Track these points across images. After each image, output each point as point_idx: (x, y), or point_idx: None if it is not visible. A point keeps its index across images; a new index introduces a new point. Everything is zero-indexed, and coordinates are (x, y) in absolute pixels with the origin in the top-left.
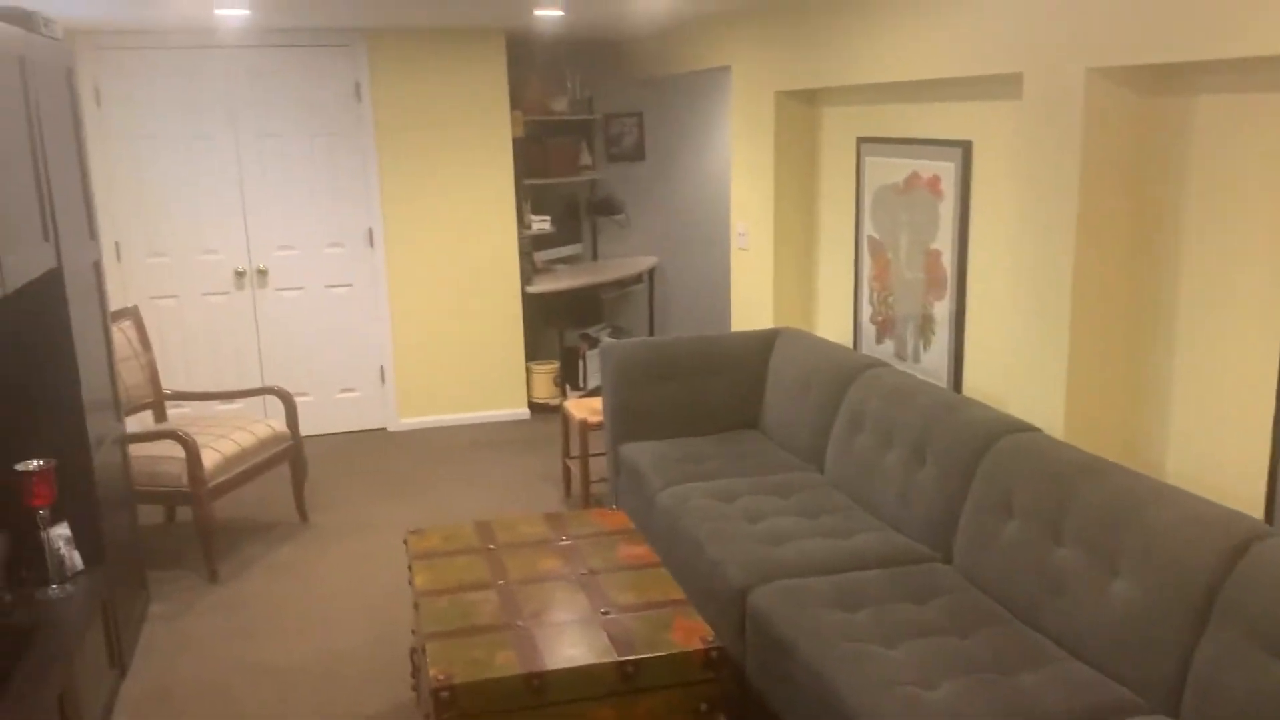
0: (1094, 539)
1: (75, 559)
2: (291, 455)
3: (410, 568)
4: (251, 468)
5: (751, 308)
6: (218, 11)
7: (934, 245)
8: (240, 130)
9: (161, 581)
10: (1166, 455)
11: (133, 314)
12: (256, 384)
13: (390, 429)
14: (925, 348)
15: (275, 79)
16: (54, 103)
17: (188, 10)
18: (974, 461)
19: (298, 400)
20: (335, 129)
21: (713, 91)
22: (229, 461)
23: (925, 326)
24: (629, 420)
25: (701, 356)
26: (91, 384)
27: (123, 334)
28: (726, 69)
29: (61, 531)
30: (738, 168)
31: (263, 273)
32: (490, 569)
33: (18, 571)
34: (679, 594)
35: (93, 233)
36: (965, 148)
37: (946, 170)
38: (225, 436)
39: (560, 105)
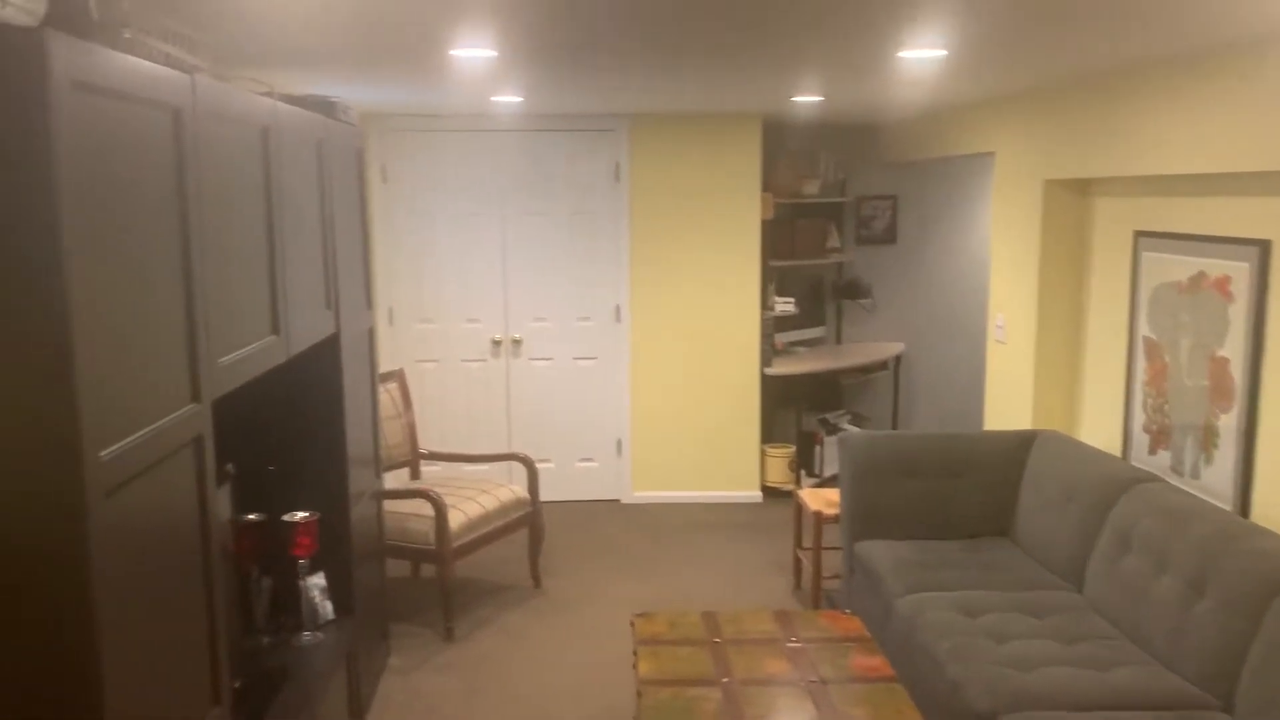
0: None
1: (328, 609)
2: (530, 521)
3: (635, 652)
4: (493, 530)
5: (1007, 405)
6: (494, 99)
7: (1221, 351)
8: (507, 207)
9: (401, 635)
10: None
11: (398, 376)
12: (504, 447)
13: (624, 501)
14: (1206, 463)
15: (541, 160)
16: (344, 181)
17: (467, 98)
18: (1264, 600)
19: (540, 467)
20: (593, 208)
21: (973, 177)
22: (473, 523)
23: (1207, 440)
24: (867, 516)
25: (950, 454)
26: (356, 441)
27: (388, 394)
28: (989, 155)
29: (318, 581)
30: (998, 256)
31: (517, 342)
32: (715, 665)
33: (278, 616)
34: (915, 716)
35: (369, 301)
36: (1262, 247)
37: (1239, 270)
38: (471, 499)
39: (812, 187)
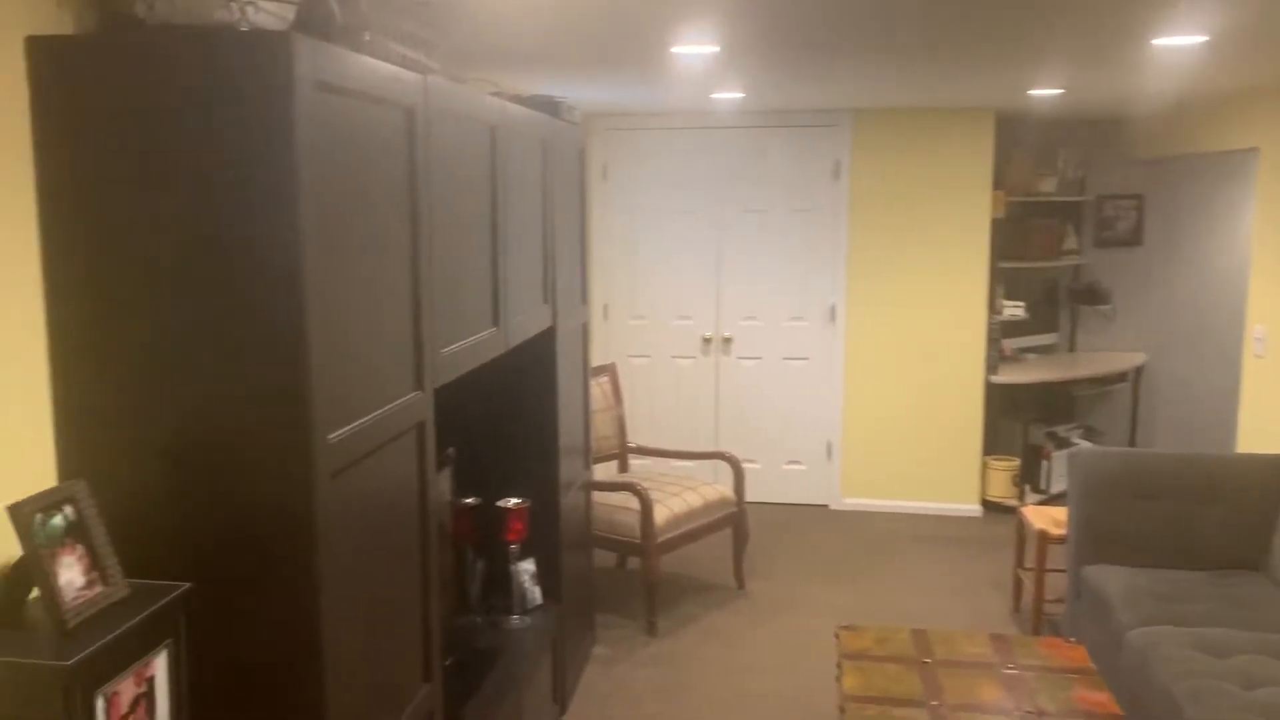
0: None
1: (536, 594)
2: (735, 521)
3: (839, 665)
4: (697, 528)
5: (1266, 426)
6: (714, 96)
7: None
8: (724, 205)
9: (607, 626)
10: None
11: (610, 370)
12: (710, 446)
13: (832, 506)
14: None
15: (759, 157)
16: (566, 179)
17: (688, 95)
18: None
19: (746, 467)
20: (811, 205)
21: (1231, 175)
22: (677, 519)
23: None
24: (1098, 539)
25: (1195, 476)
26: (568, 432)
27: (599, 388)
28: (1251, 151)
29: (528, 567)
30: (1261, 262)
31: (727, 340)
32: (924, 686)
33: (489, 598)
34: None
35: (584, 297)
36: None
37: None
38: (677, 495)
39: (1048, 185)
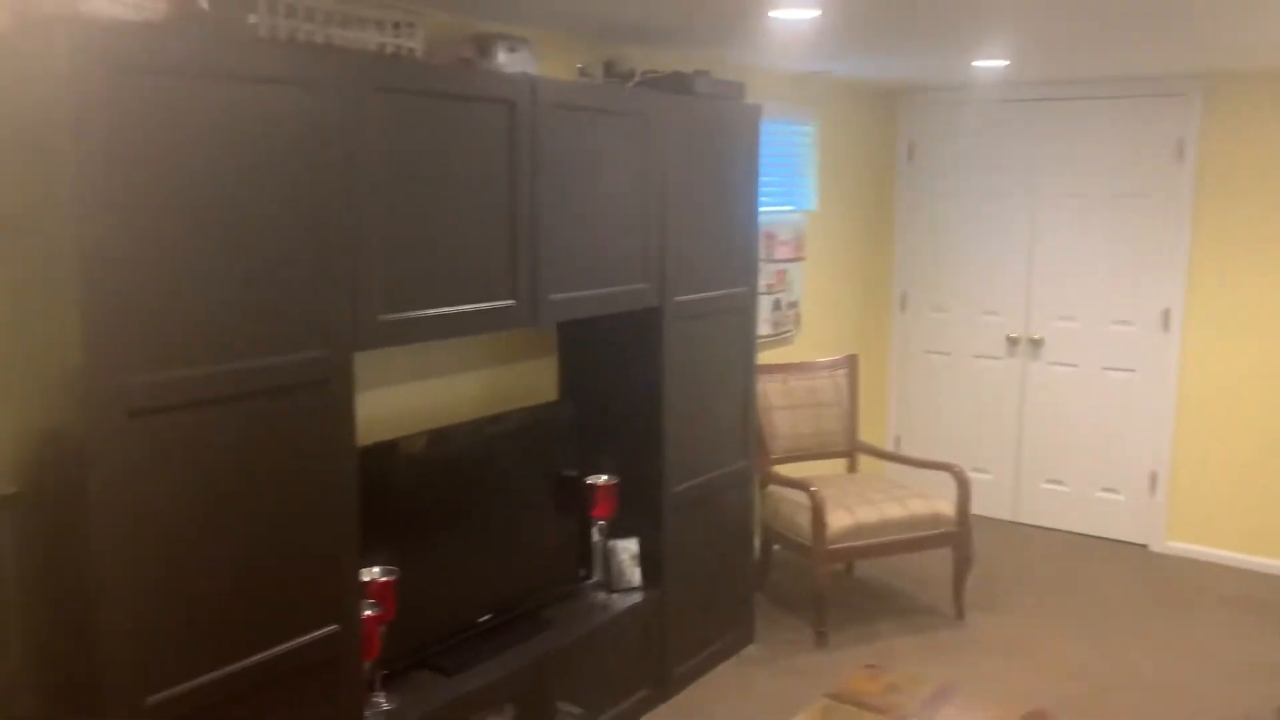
0: None
1: (635, 575)
2: (954, 542)
3: None
4: (891, 542)
5: None
6: (974, 64)
7: None
8: (1038, 189)
9: (782, 627)
10: None
11: (849, 363)
12: (1011, 457)
13: (1153, 548)
14: None
15: (1084, 134)
16: (701, 155)
17: (942, 65)
18: None
19: (1052, 489)
20: (1144, 191)
21: None
22: (861, 529)
23: None
24: None
25: None
26: (686, 418)
27: (833, 381)
28: None
29: (629, 546)
30: None
31: (1037, 342)
32: None
33: (578, 571)
34: None
35: (746, 278)
36: None
37: None
38: (875, 503)
39: None
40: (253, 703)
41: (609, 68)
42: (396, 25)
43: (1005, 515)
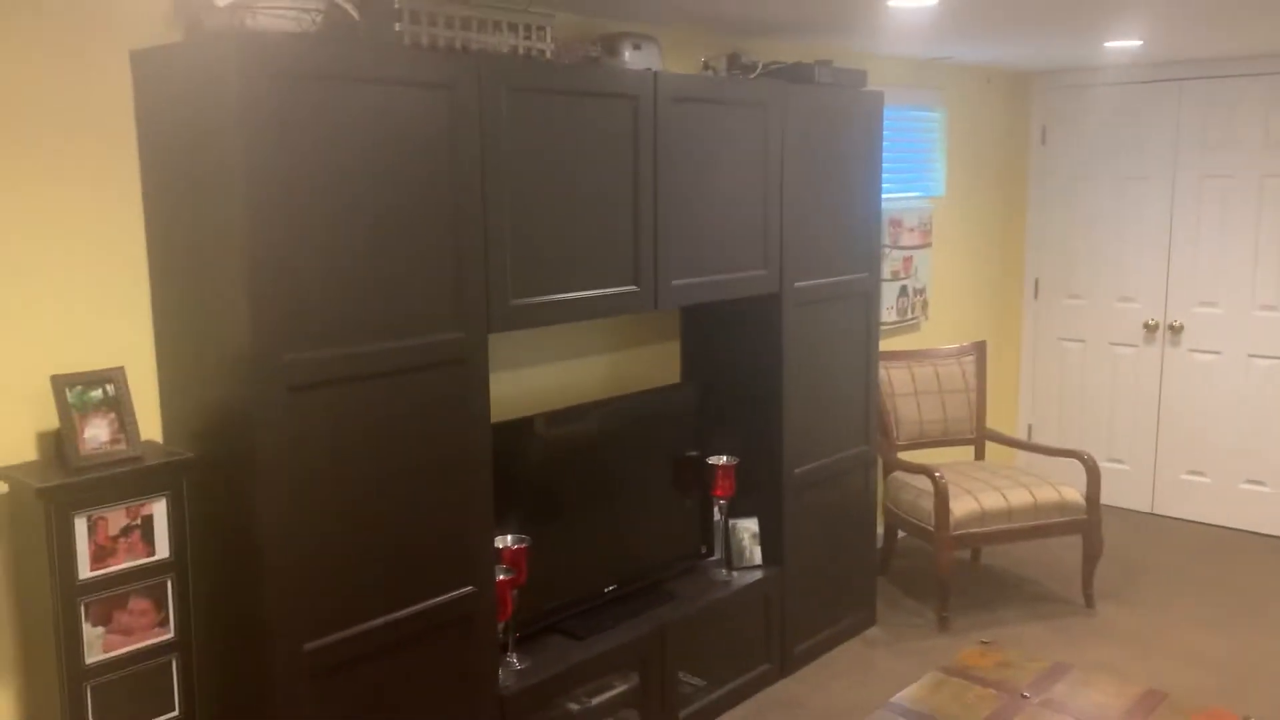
0: None
1: (756, 554)
2: (1084, 530)
3: None
4: (1016, 529)
5: None
6: (1106, 45)
7: None
8: (1180, 170)
9: (902, 611)
10: None
11: (976, 350)
12: (1149, 447)
13: None
14: None
15: (1230, 114)
16: (819, 143)
17: (1072, 47)
18: None
19: (1191, 479)
20: None
21: None
22: (985, 515)
23: None
24: None
25: None
26: (808, 401)
27: (960, 368)
28: None
29: (749, 526)
30: None
31: (1176, 329)
32: None
33: (700, 547)
34: None
35: (869, 264)
36: None
37: None
38: (1000, 489)
39: None
40: (396, 654)
41: (733, 60)
42: (528, 29)
43: (1142, 506)
